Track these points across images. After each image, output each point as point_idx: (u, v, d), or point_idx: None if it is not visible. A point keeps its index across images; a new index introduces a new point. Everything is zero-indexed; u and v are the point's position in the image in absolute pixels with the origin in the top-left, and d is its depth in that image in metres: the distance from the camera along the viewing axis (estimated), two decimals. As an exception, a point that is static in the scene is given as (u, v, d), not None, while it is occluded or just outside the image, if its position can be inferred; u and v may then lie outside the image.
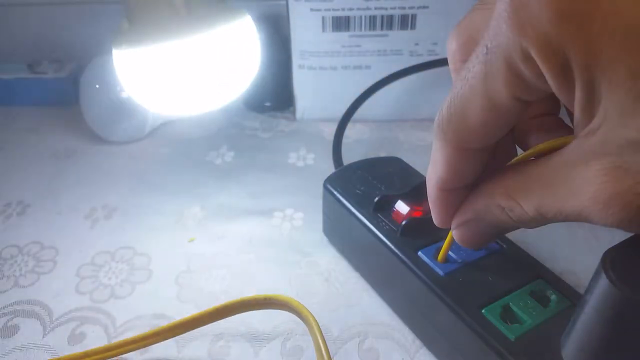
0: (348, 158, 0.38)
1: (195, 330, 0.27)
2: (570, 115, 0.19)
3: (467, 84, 0.16)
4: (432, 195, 0.21)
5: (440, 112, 0.18)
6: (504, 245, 0.26)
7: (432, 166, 0.20)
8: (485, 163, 0.19)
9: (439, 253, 0.25)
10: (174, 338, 0.27)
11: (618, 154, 0.14)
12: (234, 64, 0.35)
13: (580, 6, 0.13)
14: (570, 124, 0.19)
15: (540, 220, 0.17)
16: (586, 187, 0.15)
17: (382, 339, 0.27)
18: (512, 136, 0.20)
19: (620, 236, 0.17)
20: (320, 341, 0.23)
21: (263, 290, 0.30)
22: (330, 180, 0.32)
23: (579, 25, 0.13)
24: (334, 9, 0.42)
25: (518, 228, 0.19)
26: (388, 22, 0.43)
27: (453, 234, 0.21)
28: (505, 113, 0.16)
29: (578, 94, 0.14)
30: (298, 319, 0.28)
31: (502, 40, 0.15)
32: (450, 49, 0.20)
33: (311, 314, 0.25)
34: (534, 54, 0.14)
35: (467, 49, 0.19)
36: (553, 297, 0.23)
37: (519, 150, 0.20)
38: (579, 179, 0.15)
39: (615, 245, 0.16)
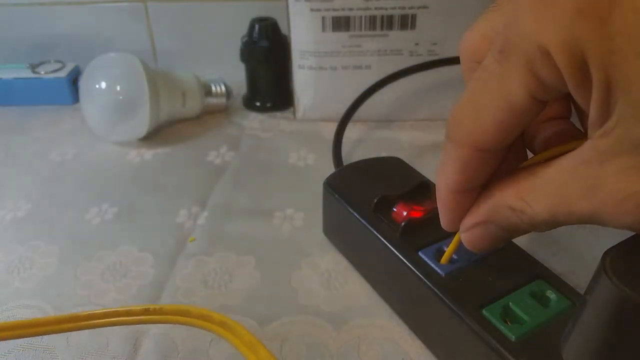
0: (348, 158, 0.38)
1: (194, 330, 0.27)
2: (582, 118, 0.19)
3: (482, 83, 0.16)
4: (441, 198, 0.20)
5: (453, 113, 0.18)
6: (504, 246, 0.26)
7: (443, 168, 0.19)
8: (497, 165, 0.19)
9: (439, 253, 0.25)
10: (173, 338, 0.27)
11: (634, 154, 0.14)
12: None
13: (599, 3, 0.13)
14: (581, 128, 0.19)
15: (551, 222, 0.17)
16: (599, 188, 0.15)
17: (382, 339, 0.27)
18: (523, 139, 0.20)
19: (620, 236, 0.17)
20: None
21: (263, 291, 0.30)
22: (330, 180, 0.32)
23: (597, 22, 0.13)
24: (334, 9, 0.42)
25: (528, 232, 0.19)
26: (388, 22, 0.43)
27: (462, 237, 0.21)
28: (520, 113, 0.16)
29: (595, 92, 0.14)
30: (297, 318, 0.28)
31: (519, 38, 0.15)
32: (463, 50, 0.20)
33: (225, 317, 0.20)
34: (551, 51, 0.14)
35: (481, 50, 0.19)
36: (553, 297, 0.23)
37: (530, 155, 0.20)
38: (592, 180, 0.15)
39: (615, 245, 0.16)
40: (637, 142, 0.13)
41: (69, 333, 0.27)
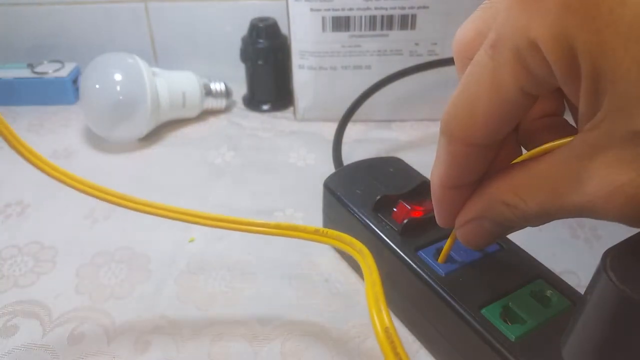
0: (348, 158, 0.38)
1: (194, 330, 0.27)
2: (574, 114, 0.19)
3: (475, 78, 0.16)
4: (436, 194, 0.20)
5: (447, 108, 0.18)
6: (504, 246, 0.26)
7: (437, 163, 0.19)
8: (490, 161, 0.19)
9: (439, 253, 0.25)
10: (173, 338, 0.27)
11: (622, 146, 0.14)
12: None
13: None
14: (574, 125, 0.19)
15: (544, 216, 0.17)
16: (589, 181, 0.15)
17: (382, 339, 0.27)
18: (517, 135, 0.20)
19: (620, 236, 0.17)
20: (375, 278, 0.21)
21: (263, 291, 0.30)
22: (330, 180, 0.32)
23: (585, 15, 0.13)
24: (334, 9, 0.42)
25: (523, 227, 0.19)
26: (388, 22, 0.43)
27: (457, 233, 0.21)
28: (512, 107, 0.16)
29: (583, 85, 0.14)
30: (297, 318, 0.28)
31: (509, 32, 0.15)
32: (456, 47, 0.20)
33: (365, 247, 0.24)
34: (540, 44, 0.14)
35: (474, 46, 0.19)
36: (553, 297, 0.23)
37: (523, 152, 0.20)
38: (582, 173, 0.15)
39: (616, 245, 0.16)
40: (626, 134, 0.13)
41: (69, 332, 0.27)
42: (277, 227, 0.26)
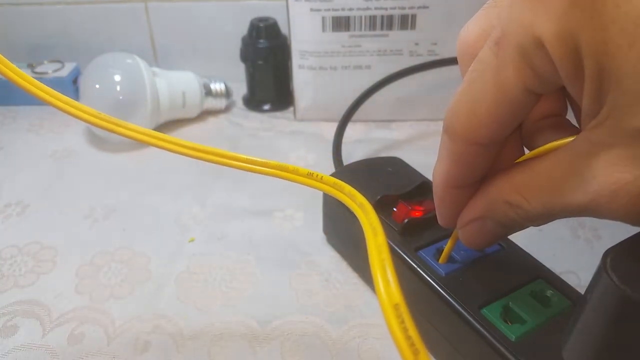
0: (348, 158, 0.38)
1: (194, 330, 0.27)
2: (577, 113, 0.19)
3: (478, 76, 0.16)
4: (438, 193, 0.20)
5: (450, 106, 0.18)
6: (504, 246, 0.26)
7: (439, 162, 0.19)
8: (493, 160, 0.19)
9: (439, 253, 0.25)
10: (173, 338, 0.27)
11: (627, 144, 0.14)
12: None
13: None
14: (577, 124, 0.19)
15: (547, 216, 0.17)
16: (593, 179, 0.14)
17: (382, 339, 0.27)
18: (520, 135, 0.20)
19: (621, 236, 0.17)
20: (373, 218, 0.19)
21: (263, 291, 0.30)
22: (330, 180, 0.32)
23: (590, 12, 0.13)
24: (334, 9, 0.42)
25: (525, 227, 0.19)
26: (388, 22, 0.43)
27: (459, 233, 0.21)
28: (515, 105, 0.16)
29: (587, 82, 0.14)
30: (297, 318, 0.28)
31: (514, 29, 0.15)
32: (460, 45, 0.20)
33: (367, 202, 0.20)
34: (545, 42, 0.14)
35: (478, 45, 0.19)
36: (553, 297, 0.23)
37: (526, 152, 0.20)
38: (585, 171, 0.15)
39: (616, 245, 0.16)
40: (630, 132, 0.13)
41: (69, 332, 0.27)
42: (265, 165, 0.24)
